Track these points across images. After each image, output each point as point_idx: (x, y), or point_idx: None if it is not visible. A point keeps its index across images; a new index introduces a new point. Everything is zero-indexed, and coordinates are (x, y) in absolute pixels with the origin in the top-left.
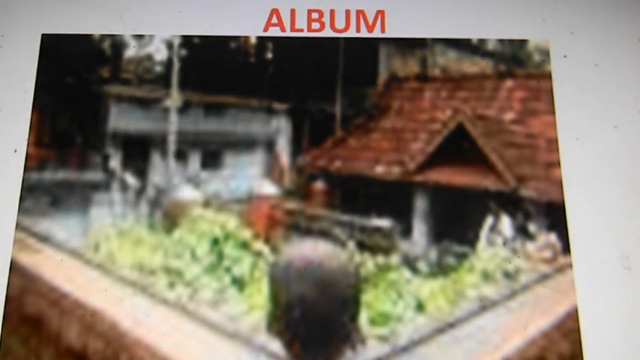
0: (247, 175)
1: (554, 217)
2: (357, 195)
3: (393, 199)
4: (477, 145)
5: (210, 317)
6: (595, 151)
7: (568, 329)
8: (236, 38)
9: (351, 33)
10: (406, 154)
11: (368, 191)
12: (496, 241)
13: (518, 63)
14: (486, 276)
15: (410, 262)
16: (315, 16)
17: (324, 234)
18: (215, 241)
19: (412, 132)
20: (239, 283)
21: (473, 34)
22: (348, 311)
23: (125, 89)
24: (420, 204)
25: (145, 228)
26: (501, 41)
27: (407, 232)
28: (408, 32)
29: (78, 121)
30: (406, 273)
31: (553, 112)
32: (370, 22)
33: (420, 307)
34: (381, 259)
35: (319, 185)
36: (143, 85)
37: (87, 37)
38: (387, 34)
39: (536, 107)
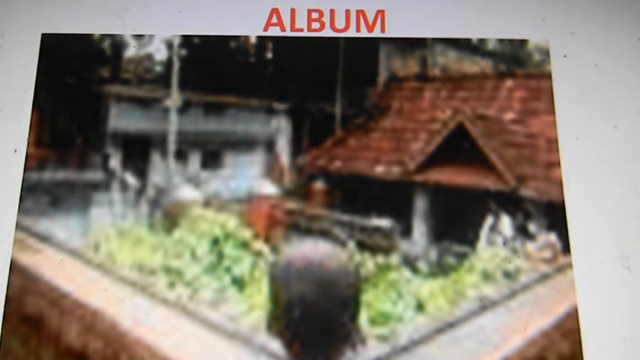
0: (247, 175)
1: (554, 217)
2: (357, 195)
3: (393, 199)
4: (477, 145)
5: (210, 317)
6: (595, 151)
7: (568, 329)
8: (236, 38)
9: (351, 33)
10: (406, 154)
11: (368, 191)
12: (496, 241)
13: (518, 63)
14: (486, 276)
15: (410, 262)
16: (315, 15)
17: (324, 234)
18: (215, 241)
19: (412, 132)
20: (239, 283)
21: (473, 34)
22: (348, 311)
23: (125, 89)
24: (420, 204)
25: (145, 228)
26: (501, 41)
27: (407, 232)
28: (408, 32)
29: (78, 121)
30: (406, 273)
31: (553, 112)
32: (370, 21)
33: (420, 307)
34: (381, 259)
35: (319, 185)
36: (143, 85)
37: (87, 37)
38: (387, 34)
39: (536, 107)
